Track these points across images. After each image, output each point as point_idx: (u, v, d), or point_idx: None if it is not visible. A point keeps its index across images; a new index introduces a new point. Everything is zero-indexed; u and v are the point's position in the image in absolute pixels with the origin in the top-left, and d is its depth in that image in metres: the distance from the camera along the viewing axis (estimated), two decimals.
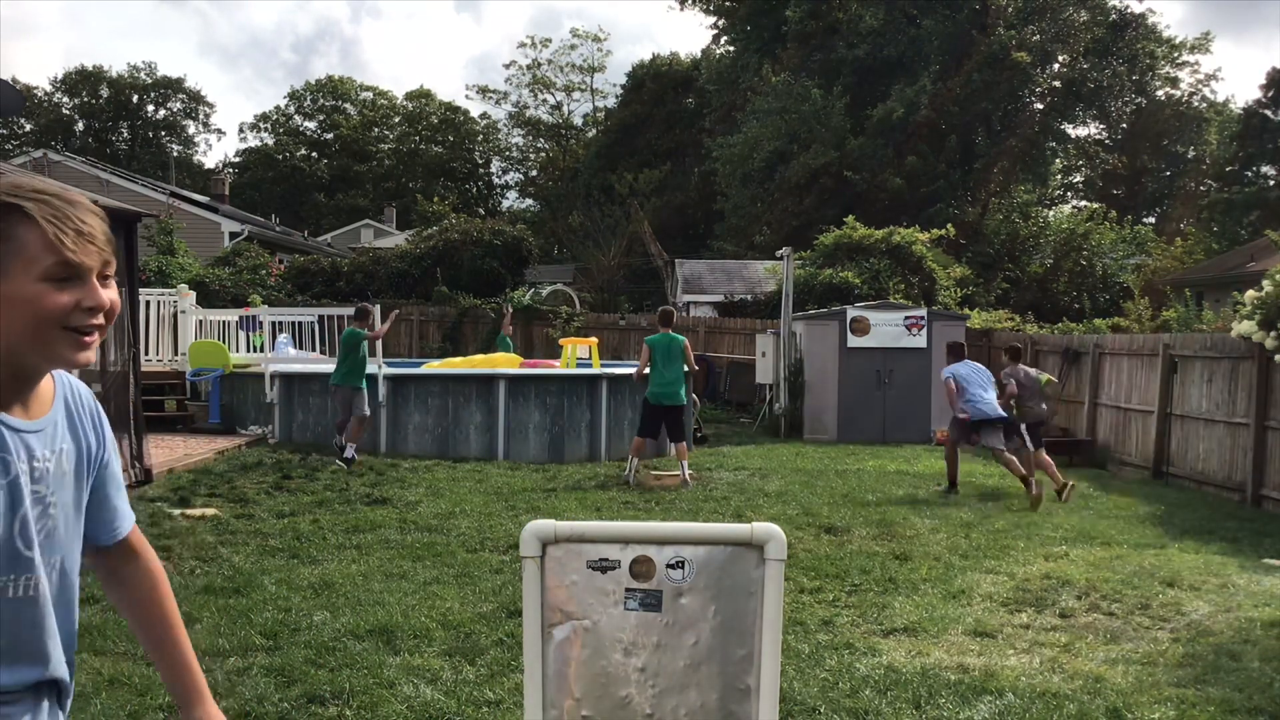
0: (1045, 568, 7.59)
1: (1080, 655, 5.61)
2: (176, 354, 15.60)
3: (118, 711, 4.47)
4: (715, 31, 44.08)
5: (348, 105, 64.43)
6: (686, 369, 11.77)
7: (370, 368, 13.62)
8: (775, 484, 11.43)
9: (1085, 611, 6.49)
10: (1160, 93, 40.86)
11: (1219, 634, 6.02)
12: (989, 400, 11.21)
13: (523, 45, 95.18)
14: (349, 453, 11.68)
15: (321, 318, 16.35)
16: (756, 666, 2.34)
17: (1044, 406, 11.79)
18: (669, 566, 2.37)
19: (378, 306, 14.25)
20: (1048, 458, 11.47)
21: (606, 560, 2.38)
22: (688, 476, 11.35)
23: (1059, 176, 42.36)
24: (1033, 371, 12.06)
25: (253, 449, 12.73)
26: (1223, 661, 5.51)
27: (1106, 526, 9.41)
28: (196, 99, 64.91)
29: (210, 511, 8.87)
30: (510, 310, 20.27)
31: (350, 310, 14.25)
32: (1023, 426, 11.56)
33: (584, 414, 13.68)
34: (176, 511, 8.79)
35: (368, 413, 11.99)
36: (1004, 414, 11.16)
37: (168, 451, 11.71)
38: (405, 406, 13.38)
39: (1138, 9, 39.14)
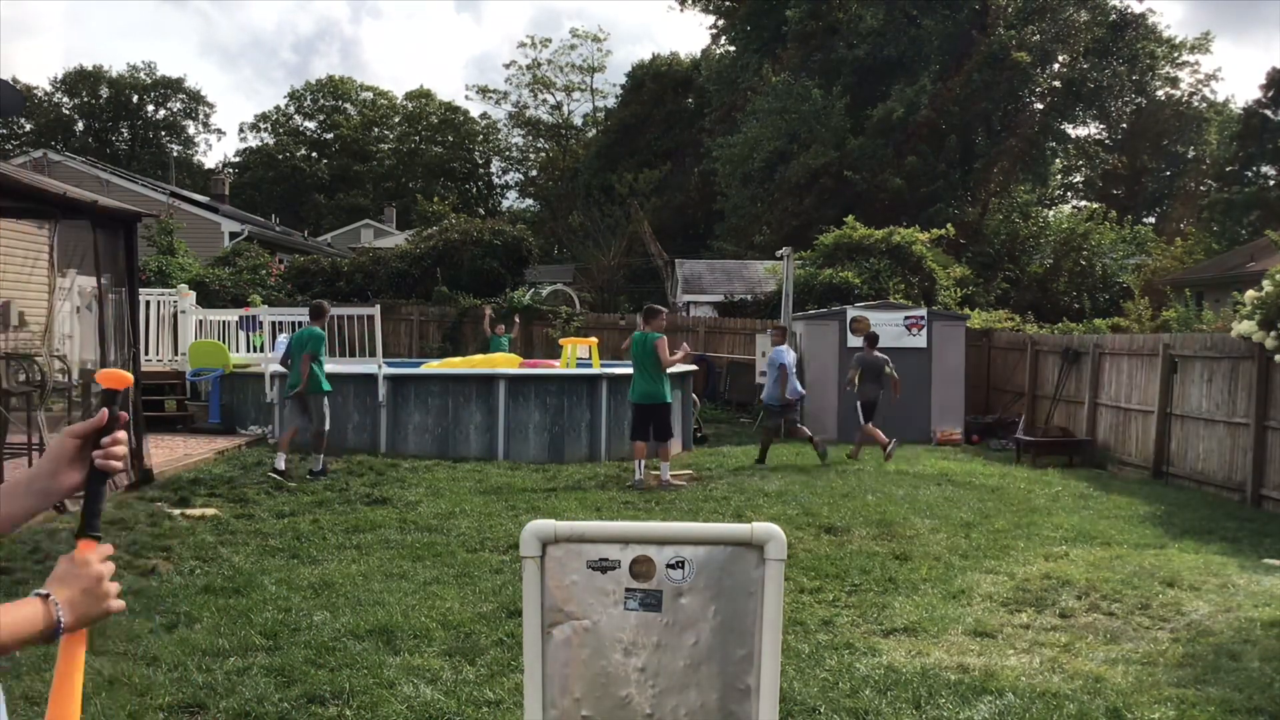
0: (1045, 568, 7.59)
1: (1080, 655, 5.61)
2: (176, 354, 15.60)
3: (118, 711, 4.47)
4: (715, 31, 44.08)
5: (348, 105, 64.43)
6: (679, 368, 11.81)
7: (369, 367, 13.61)
8: (775, 484, 11.43)
9: (1085, 611, 6.49)
10: (1160, 93, 40.82)
11: (1219, 634, 6.02)
12: (795, 389, 13.85)
13: (523, 45, 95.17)
14: (319, 463, 11.06)
15: None
16: (756, 666, 2.34)
17: (880, 392, 14.21)
18: (669, 566, 2.37)
19: (377, 306, 14.24)
20: (872, 431, 13.97)
21: (606, 560, 2.38)
22: (668, 478, 11.30)
23: (1059, 176, 42.32)
24: (884, 357, 14.46)
25: (253, 449, 12.73)
26: (1223, 661, 5.51)
27: (1106, 526, 9.41)
28: (196, 99, 64.95)
29: (210, 511, 8.88)
30: (489, 311, 20.22)
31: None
32: (858, 403, 14.29)
33: (584, 414, 13.68)
34: (176, 511, 8.80)
35: (327, 425, 11.26)
36: (799, 395, 14.08)
37: (168, 451, 11.72)
38: (405, 406, 13.38)
39: (1138, 9, 39.11)
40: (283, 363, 11.68)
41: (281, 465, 10.76)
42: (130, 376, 1.72)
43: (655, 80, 45.52)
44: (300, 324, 16.59)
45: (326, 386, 11.19)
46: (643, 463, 11.44)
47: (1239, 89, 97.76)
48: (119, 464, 1.65)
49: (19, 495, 1.65)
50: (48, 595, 1.52)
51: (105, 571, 1.58)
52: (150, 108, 64.29)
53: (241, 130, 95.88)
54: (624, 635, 2.37)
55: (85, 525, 1.62)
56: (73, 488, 1.65)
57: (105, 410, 1.65)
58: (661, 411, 11.57)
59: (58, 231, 13.00)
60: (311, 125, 64.20)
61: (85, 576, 1.55)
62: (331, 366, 13.34)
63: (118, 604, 1.59)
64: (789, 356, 13.88)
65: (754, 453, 14.19)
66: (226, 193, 39.36)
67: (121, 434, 1.66)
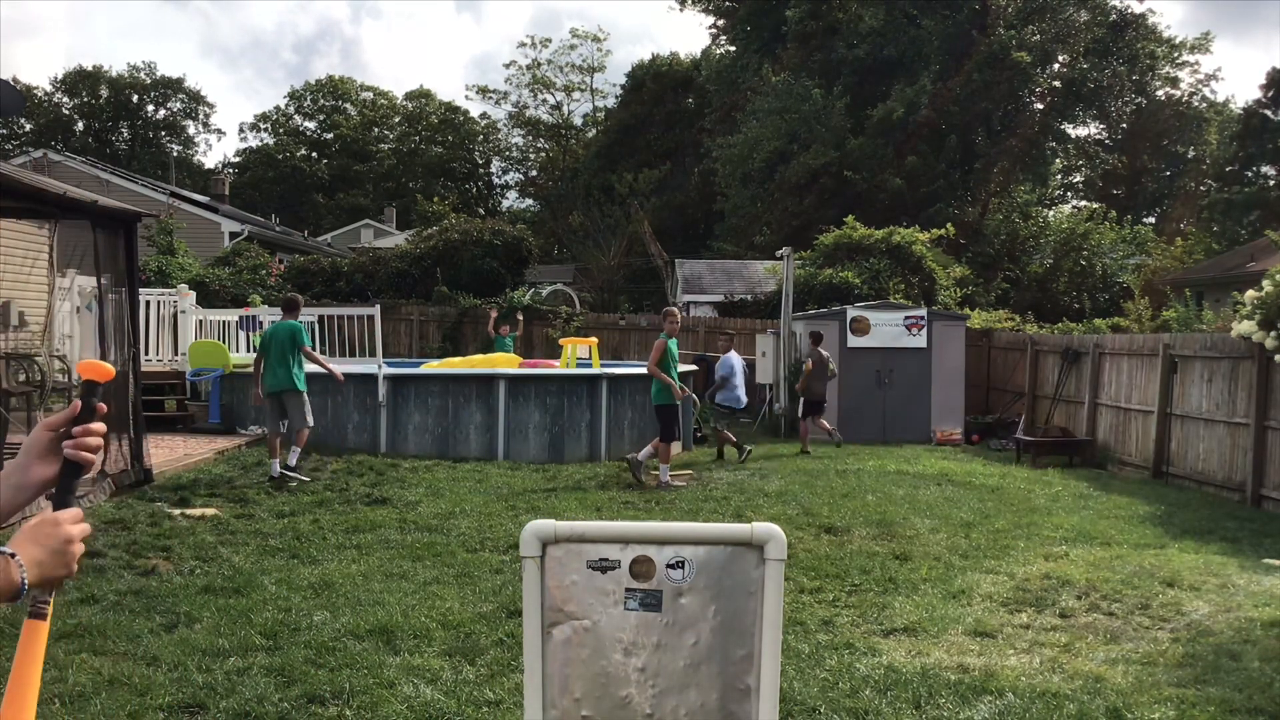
0: (1045, 568, 7.60)
1: (1080, 655, 5.61)
2: (176, 354, 15.59)
3: (118, 711, 4.47)
4: (715, 31, 44.09)
5: (348, 105, 64.41)
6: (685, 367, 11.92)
7: (369, 367, 13.60)
8: (775, 484, 11.43)
9: (1085, 611, 6.49)
10: (1160, 93, 40.79)
11: (1219, 634, 6.02)
12: (741, 395, 14.24)
13: (523, 45, 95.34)
14: (294, 458, 10.60)
15: (321, 318, 16.31)
16: (756, 666, 2.34)
17: (825, 389, 15.36)
18: (669, 566, 2.37)
19: (377, 306, 14.22)
20: (805, 428, 15.14)
21: (606, 560, 2.38)
22: (667, 479, 11.32)
23: (1059, 176, 42.30)
24: (828, 354, 15.52)
25: (253, 449, 12.72)
26: (1223, 661, 5.51)
27: (1106, 526, 9.41)
28: (196, 99, 64.93)
29: (210, 511, 8.88)
30: (494, 313, 20.23)
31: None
32: (801, 400, 15.37)
33: (584, 414, 13.68)
34: (176, 511, 8.80)
35: (311, 422, 10.90)
36: (743, 404, 14.56)
37: (168, 451, 11.71)
38: (405, 406, 13.37)
39: (1138, 9, 39.11)
40: (256, 364, 11.03)
41: (277, 471, 10.56)
42: (112, 369, 1.67)
43: (655, 80, 45.50)
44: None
45: (302, 386, 10.75)
46: (652, 458, 11.57)
47: (1239, 89, 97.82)
48: (91, 455, 1.60)
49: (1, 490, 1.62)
50: (13, 555, 1.48)
51: (76, 534, 1.54)
52: (150, 108, 64.29)
53: (241, 130, 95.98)
54: (624, 635, 2.37)
55: None
56: (45, 481, 1.61)
57: (79, 400, 1.61)
58: (664, 412, 11.60)
59: (58, 231, 13.00)
60: (311, 125, 64.19)
61: (56, 537, 1.52)
62: (330, 366, 13.29)
63: (75, 569, 1.56)
64: (735, 362, 14.26)
65: (753, 452, 14.23)
66: (226, 193, 39.34)
67: (96, 425, 1.61)
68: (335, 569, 7.07)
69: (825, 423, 15.40)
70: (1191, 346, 12.80)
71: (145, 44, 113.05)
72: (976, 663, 5.42)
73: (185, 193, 32.79)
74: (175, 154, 60.85)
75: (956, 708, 4.76)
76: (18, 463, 1.63)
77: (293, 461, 10.60)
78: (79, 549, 1.55)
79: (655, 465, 11.58)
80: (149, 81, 63.18)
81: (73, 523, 1.55)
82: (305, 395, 10.80)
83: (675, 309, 12.31)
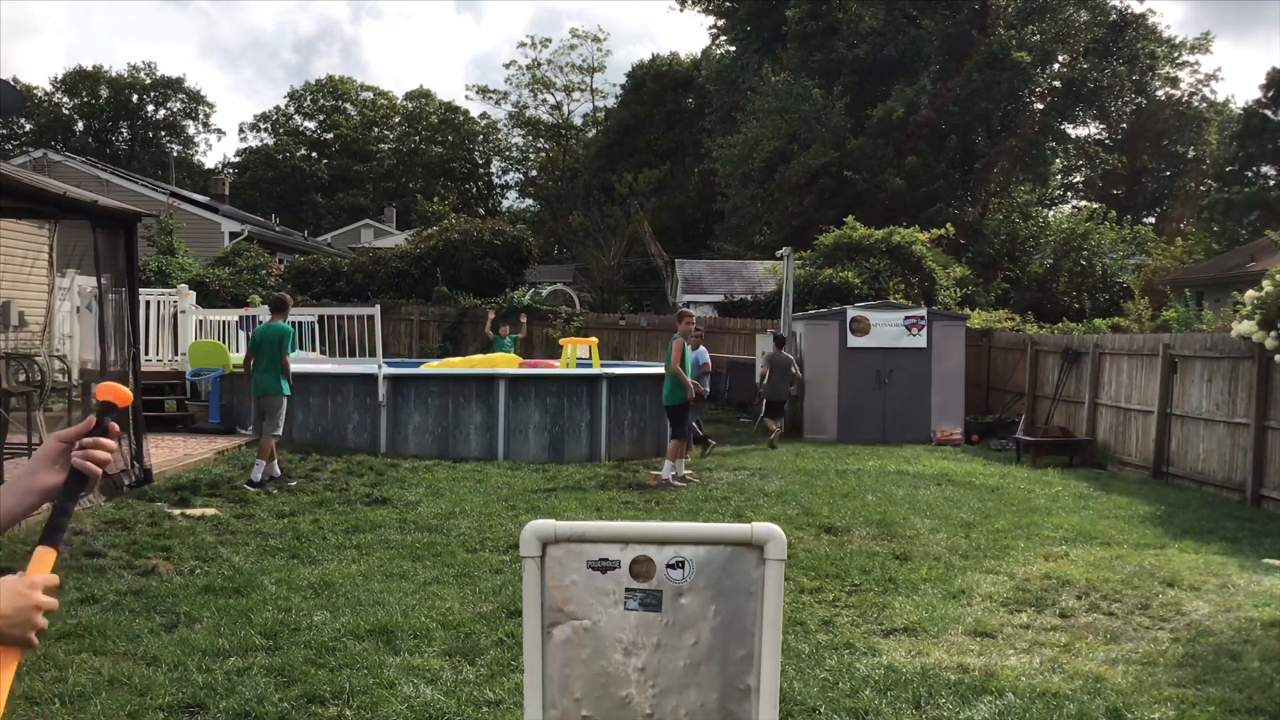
0: (1045, 568, 7.59)
1: (1080, 655, 5.61)
2: (176, 354, 15.58)
3: (118, 711, 4.47)
4: (715, 31, 44.07)
5: (348, 105, 64.41)
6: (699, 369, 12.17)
7: (369, 367, 13.59)
8: (775, 484, 11.43)
9: (1085, 611, 6.49)
10: (1160, 93, 40.78)
11: (1219, 634, 6.02)
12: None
13: (523, 45, 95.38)
14: (258, 473, 10.22)
15: (321, 317, 16.31)
16: (756, 666, 2.34)
17: (792, 389, 16.26)
18: (669, 566, 2.37)
19: (377, 306, 14.20)
20: (773, 425, 15.92)
21: (606, 560, 2.38)
22: (667, 478, 11.34)
23: (1059, 176, 42.29)
24: (791, 357, 16.32)
25: (252, 449, 12.70)
26: (1223, 661, 5.51)
27: (1106, 526, 9.41)
28: (196, 99, 64.94)
29: (210, 511, 8.87)
30: (493, 313, 20.23)
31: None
32: (764, 400, 16.35)
33: (584, 414, 13.68)
34: (176, 511, 8.80)
35: (280, 431, 10.59)
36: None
37: (168, 451, 11.70)
38: (405, 406, 13.37)
39: (1138, 9, 39.08)
40: (246, 363, 10.89)
41: (277, 472, 10.48)
42: (130, 395, 1.71)
43: (655, 80, 45.50)
44: (301, 324, 16.07)
45: (287, 390, 10.56)
46: (682, 461, 11.62)
47: (1239, 89, 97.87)
48: (96, 468, 1.63)
49: (5, 494, 1.65)
50: None
51: (44, 604, 1.54)
52: (150, 108, 64.29)
53: (241, 130, 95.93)
54: (624, 635, 2.37)
55: (46, 533, 1.58)
56: (50, 489, 1.64)
57: (94, 416, 1.65)
58: (674, 412, 11.64)
59: (58, 231, 13.01)
60: (311, 125, 64.19)
61: (24, 597, 1.51)
62: (331, 366, 13.31)
63: (36, 642, 1.54)
64: (706, 357, 14.75)
65: (754, 453, 14.24)
66: (226, 193, 39.34)
67: (107, 441, 1.64)
68: (335, 569, 7.07)
69: (773, 425, 15.80)
70: (1191, 346, 12.80)
71: (145, 44, 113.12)
72: (976, 663, 5.42)
73: (185, 193, 32.79)
74: (175, 154, 60.85)
75: (956, 708, 4.76)
76: (27, 468, 1.66)
77: (256, 477, 10.20)
78: (43, 621, 1.54)
79: (657, 464, 11.59)
80: (149, 81, 63.19)
81: (44, 590, 1.54)
82: (285, 401, 10.57)
83: (690, 310, 12.44)
